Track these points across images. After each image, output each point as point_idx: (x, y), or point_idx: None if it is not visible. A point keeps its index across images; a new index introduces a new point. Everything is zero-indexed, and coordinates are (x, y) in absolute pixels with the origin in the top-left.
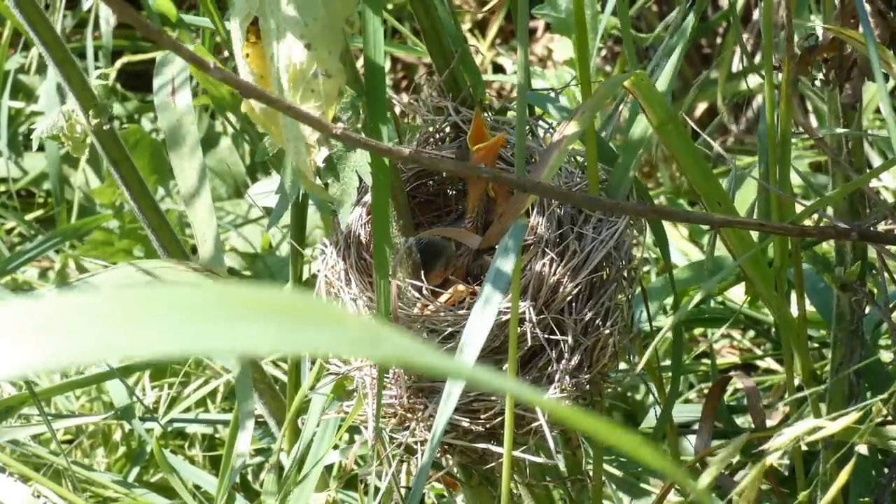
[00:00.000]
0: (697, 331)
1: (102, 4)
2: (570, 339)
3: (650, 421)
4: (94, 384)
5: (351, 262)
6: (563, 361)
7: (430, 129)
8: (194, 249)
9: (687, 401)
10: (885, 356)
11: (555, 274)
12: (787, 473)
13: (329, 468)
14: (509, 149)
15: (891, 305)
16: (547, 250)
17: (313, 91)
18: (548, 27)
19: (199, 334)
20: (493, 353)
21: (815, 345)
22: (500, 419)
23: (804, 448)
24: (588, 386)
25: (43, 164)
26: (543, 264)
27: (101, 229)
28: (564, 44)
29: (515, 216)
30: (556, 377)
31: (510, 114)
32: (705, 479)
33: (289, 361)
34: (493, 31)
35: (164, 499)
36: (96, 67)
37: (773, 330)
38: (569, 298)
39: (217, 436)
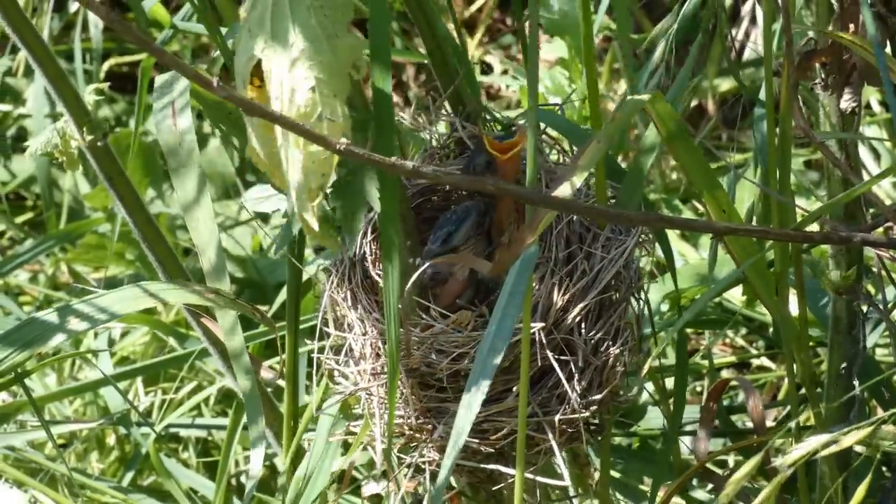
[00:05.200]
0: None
1: None
2: (580, 360)
3: (648, 422)
4: (90, 391)
5: (357, 281)
6: (573, 381)
7: (435, 144)
8: (186, 252)
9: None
10: (879, 353)
11: (564, 294)
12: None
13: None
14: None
15: (889, 306)
16: (556, 270)
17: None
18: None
19: None
20: (502, 373)
21: (812, 344)
22: (509, 440)
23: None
24: (598, 406)
25: (32, 168)
26: (553, 284)
27: (93, 233)
28: (557, 44)
29: (526, 242)
30: (567, 397)
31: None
32: (725, 498)
33: (286, 373)
34: (480, 29)
35: (160, 502)
36: (85, 70)
37: (771, 330)
38: (578, 318)
39: (210, 439)
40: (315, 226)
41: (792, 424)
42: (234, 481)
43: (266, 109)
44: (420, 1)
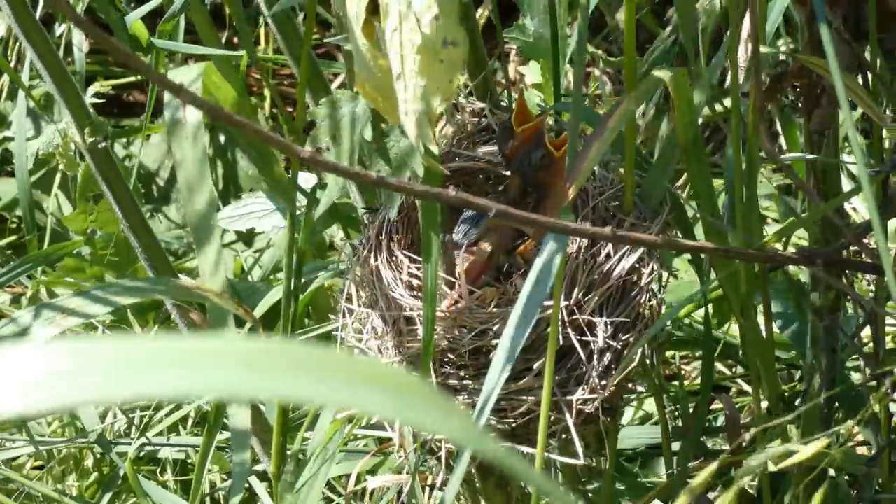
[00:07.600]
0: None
1: (76, 31)
2: (600, 341)
3: (622, 441)
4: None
5: (383, 258)
6: (593, 362)
7: (466, 130)
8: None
9: (655, 422)
10: (855, 376)
11: (588, 275)
12: (756, 495)
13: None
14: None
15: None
16: (581, 252)
17: (442, 61)
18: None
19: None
20: (523, 352)
21: (783, 366)
22: (526, 419)
23: (774, 469)
24: (616, 387)
25: (15, 190)
26: (576, 265)
27: (73, 256)
28: (534, 67)
29: (562, 204)
30: (585, 378)
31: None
32: (683, 500)
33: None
34: None
35: None
36: None
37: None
38: (600, 301)
39: (189, 461)
40: (435, 149)
41: (749, 435)
42: (209, 500)
43: (228, 113)
44: None
